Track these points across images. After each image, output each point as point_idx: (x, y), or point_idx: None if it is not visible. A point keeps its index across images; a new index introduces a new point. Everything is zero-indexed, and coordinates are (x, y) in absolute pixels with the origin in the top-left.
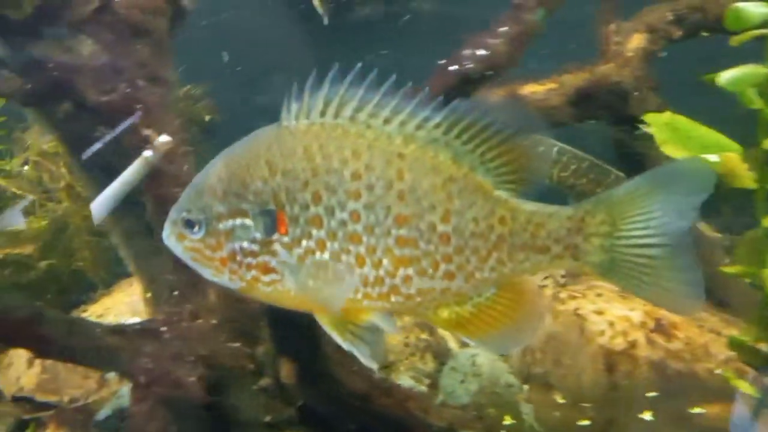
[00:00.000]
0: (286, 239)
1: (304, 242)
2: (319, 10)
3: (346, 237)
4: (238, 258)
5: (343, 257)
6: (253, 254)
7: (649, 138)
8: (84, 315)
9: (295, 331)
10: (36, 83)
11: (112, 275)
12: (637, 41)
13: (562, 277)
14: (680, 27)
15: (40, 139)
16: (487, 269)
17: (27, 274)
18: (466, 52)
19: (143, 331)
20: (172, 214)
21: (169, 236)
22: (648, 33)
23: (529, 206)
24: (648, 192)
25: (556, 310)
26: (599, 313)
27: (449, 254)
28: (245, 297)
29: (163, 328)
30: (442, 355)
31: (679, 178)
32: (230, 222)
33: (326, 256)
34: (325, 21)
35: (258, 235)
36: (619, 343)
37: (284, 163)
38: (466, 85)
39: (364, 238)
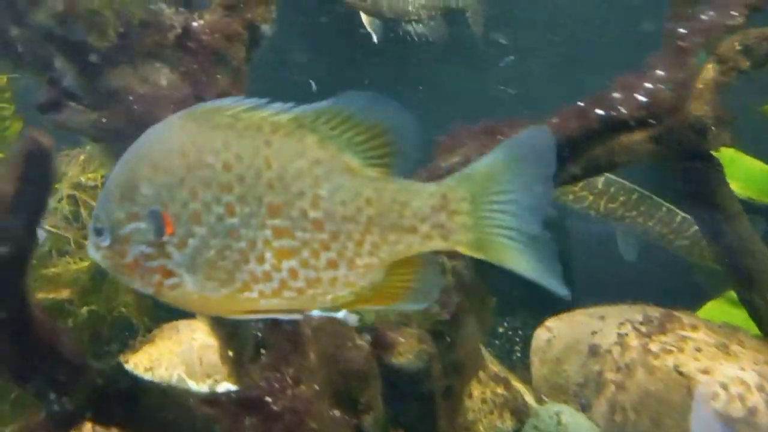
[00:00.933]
0: (175, 240)
1: (190, 241)
2: (368, 28)
3: (226, 232)
4: (141, 263)
5: (227, 253)
6: (151, 257)
7: (718, 173)
8: (127, 366)
9: (412, 398)
10: (112, 117)
11: (153, 320)
12: (706, 72)
13: (641, 324)
14: (748, 57)
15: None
16: (366, 254)
17: (65, 321)
18: (617, 95)
19: (244, 400)
20: (90, 223)
21: (90, 247)
22: (718, 64)
23: (395, 184)
24: (505, 166)
25: (649, 365)
26: (706, 372)
27: (326, 242)
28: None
29: (268, 398)
30: (520, 412)
31: (528, 148)
32: (128, 227)
33: (212, 253)
34: (375, 39)
35: (151, 238)
36: (737, 409)
37: (164, 161)
38: (614, 131)
39: (242, 232)
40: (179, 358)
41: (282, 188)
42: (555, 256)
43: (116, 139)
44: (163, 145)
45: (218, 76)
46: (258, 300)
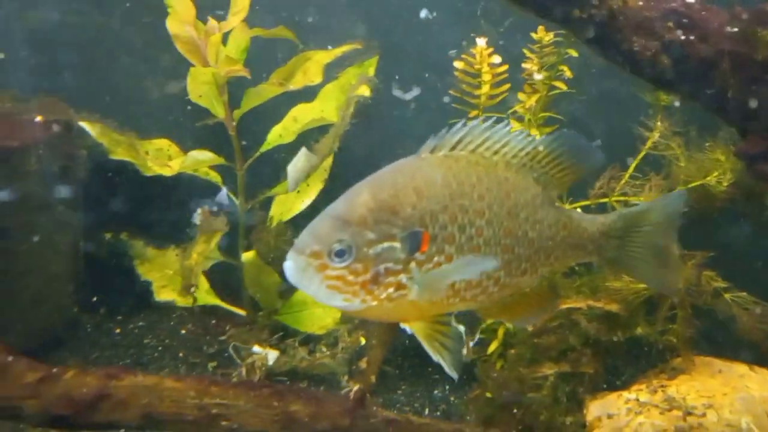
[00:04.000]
0: (423, 257)
1: (435, 258)
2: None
3: (469, 249)
4: (380, 279)
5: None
6: (395, 273)
7: None
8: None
9: None
10: None
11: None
12: None
13: None
14: None
15: None
16: (548, 264)
17: (614, 332)
18: None
19: None
20: (314, 246)
21: (304, 269)
22: None
23: (576, 214)
24: (655, 214)
25: None
26: None
27: (530, 255)
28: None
29: None
30: None
31: (670, 208)
32: (379, 247)
33: (450, 267)
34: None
35: (402, 255)
36: None
37: (428, 190)
38: None
39: (482, 249)
40: (741, 405)
41: (515, 214)
42: (675, 269)
43: None
44: (426, 177)
45: None
46: (458, 305)
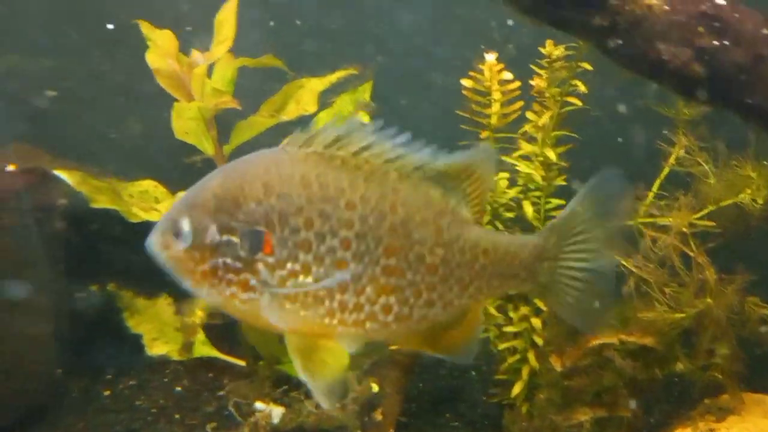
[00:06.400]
0: (271, 260)
1: (288, 265)
2: None
3: (333, 263)
4: (220, 273)
5: (326, 282)
6: (236, 271)
7: None
8: None
9: None
10: None
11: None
12: None
13: None
14: None
15: None
16: (466, 296)
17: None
18: None
19: None
20: (162, 222)
21: (154, 243)
22: None
23: (506, 237)
24: (582, 210)
25: None
26: None
27: (434, 283)
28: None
29: None
30: None
31: (601, 190)
32: (217, 238)
33: (309, 279)
34: None
35: (242, 254)
36: None
37: (281, 186)
38: None
39: (351, 266)
40: None
41: (404, 233)
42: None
43: None
44: (281, 171)
45: None
46: (335, 327)
